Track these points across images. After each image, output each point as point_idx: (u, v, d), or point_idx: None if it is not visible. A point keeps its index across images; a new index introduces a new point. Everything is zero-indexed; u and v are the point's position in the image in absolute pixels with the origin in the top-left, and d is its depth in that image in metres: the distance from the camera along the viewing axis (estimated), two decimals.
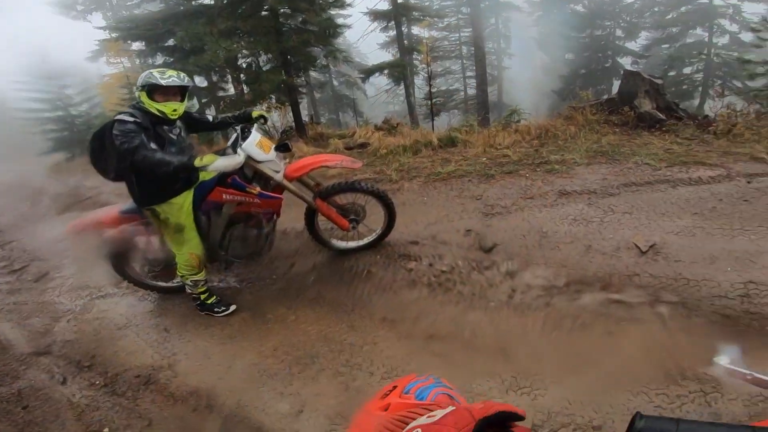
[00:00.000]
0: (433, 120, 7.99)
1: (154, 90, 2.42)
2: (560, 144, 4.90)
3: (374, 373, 2.34)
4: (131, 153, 2.25)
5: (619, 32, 16.70)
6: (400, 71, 12.03)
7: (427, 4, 15.92)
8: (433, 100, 9.10)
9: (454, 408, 0.42)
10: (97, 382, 2.60)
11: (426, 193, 4.16)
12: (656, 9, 16.27)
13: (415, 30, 16.06)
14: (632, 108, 5.58)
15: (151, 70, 2.46)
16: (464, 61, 18.77)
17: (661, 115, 5.39)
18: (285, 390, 2.30)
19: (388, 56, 15.07)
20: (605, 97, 6.47)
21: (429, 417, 0.43)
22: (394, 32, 13.58)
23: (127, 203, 2.79)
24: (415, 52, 14.13)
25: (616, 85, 15.58)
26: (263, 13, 7.87)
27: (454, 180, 4.24)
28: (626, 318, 2.40)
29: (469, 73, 18.32)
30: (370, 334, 2.63)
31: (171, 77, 2.42)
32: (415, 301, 2.84)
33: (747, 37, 12.42)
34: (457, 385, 2.25)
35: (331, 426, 2.05)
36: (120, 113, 2.38)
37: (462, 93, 18.89)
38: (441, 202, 3.94)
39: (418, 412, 0.49)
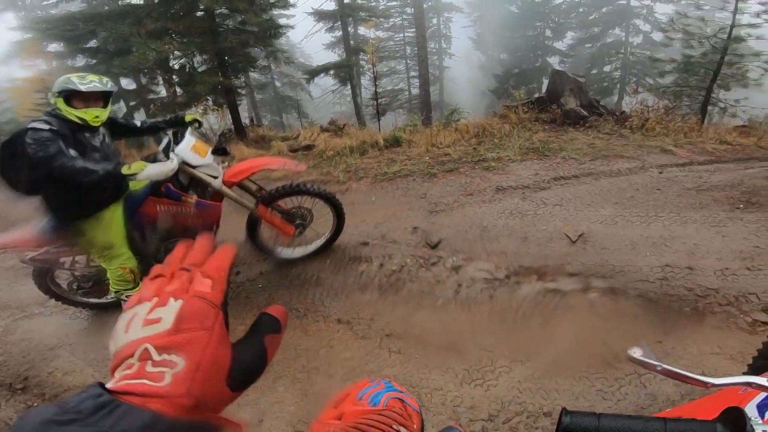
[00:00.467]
0: (379, 120, 8.09)
1: (72, 96, 2.22)
2: (496, 142, 5.18)
3: (333, 376, 2.33)
4: (47, 161, 2.06)
5: (548, 32, 17.79)
6: (346, 72, 12.03)
7: (373, 4, 16.00)
8: (379, 100, 9.20)
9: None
10: (34, 404, 2.48)
11: (374, 193, 4.23)
12: (581, 10, 17.53)
13: (361, 30, 16.10)
14: (559, 106, 6.02)
15: (69, 75, 2.25)
16: (408, 61, 19.12)
17: (584, 112, 5.87)
18: (241, 401, 2.23)
19: (333, 57, 14.96)
20: (536, 95, 6.92)
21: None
22: (340, 32, 13.52)
23: (44, 220, 2.48)
24: (361, 53, 14.16)
25: (545, 83, 16.68)
26: (198, 13, 7.52)
27: (400, 179, 4.34)
28: (562, 306, 2.57)
29: (413, 73, 18.70)
30: (325, 338, 2.62)
31: (92, 82, 2.23)
32: (368, 303, 2.88)
33: (658, 36, 13.62)
34: (415, 381, 2.30)
35: None
36: (33, 120, 2.16)
37: (407, 93, 19.25)
38: (388, 202, 4.03)
39: (372, 417, 0.49)
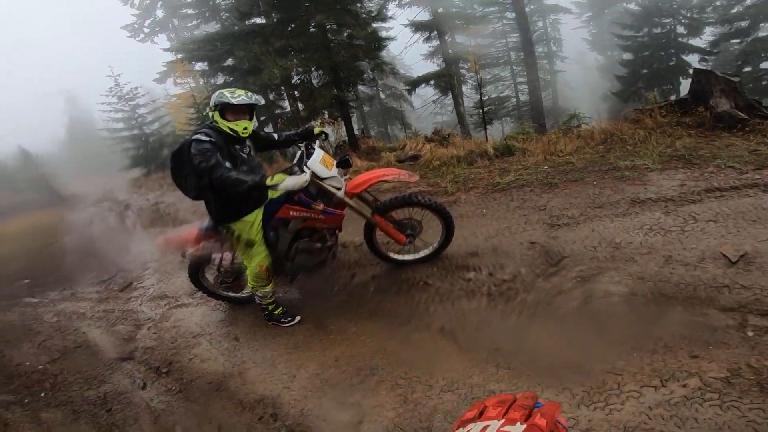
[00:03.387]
0: (485, 128, 7.81)
1: (225, 109, 2.54)
2: (629, 149, 4.58)
3: (433, 386, 2.27)
4: (209, 171, 2.38)
5: (680, 29, 15.52)
6: (446, 81, 11.96)
7: (469, 11, 15.72)
8: (485, 109, 8.91)
9: (526, 426, 0.47)
10: (173, 388, 2.71)
11: (485, 205, 4.03)
12: (718, 3, 14.96)
13: (459, 38, 15.92)
14: (708, 108, 5.13)
15: (222, 90, 2.58)
16: (514, 67, 18.30)
17: (742, 114, 4.90)
18: (346, 400, 2.30)
19: (432, 66, 15.04)
20: (673, 97, 5.99)
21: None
22: (437, 42, 13.53)
23: (205, 221, 2.96)
24: (461, 61, 13.99)
25: (684, 84, 14.49)
26: (311, 29, 8.16)
27: (515, 190, 4.08)
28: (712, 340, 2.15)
29: (519, 79, 17.83)
30: (428, 348, 2.57)
31: (240, 96, 2.53)
32: (474, 311, 2.75)
33: None
34: None
35: None
36: (196, 132, 2.51)
37: (514, 99, 18.36)
38: (501, 214, 3.80)
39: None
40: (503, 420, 0.49)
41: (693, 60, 15.30)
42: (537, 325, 2.51)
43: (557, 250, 3.08)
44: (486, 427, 0.48)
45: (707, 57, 15.37)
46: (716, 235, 2.91)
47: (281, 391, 2.46)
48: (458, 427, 0.51)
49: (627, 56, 16.80)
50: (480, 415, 0.52)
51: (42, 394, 2.90)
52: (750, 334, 2.13)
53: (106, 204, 10.79)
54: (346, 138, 8.35)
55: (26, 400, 2.86)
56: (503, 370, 2.25)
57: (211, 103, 2.59)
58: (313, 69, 8.78)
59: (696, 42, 15.68)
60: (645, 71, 15.66)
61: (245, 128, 2.59)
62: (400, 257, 3.29)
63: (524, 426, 0.47)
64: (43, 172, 19.74)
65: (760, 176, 3.60)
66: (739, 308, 2.28)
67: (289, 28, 8.27)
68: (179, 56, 11.96)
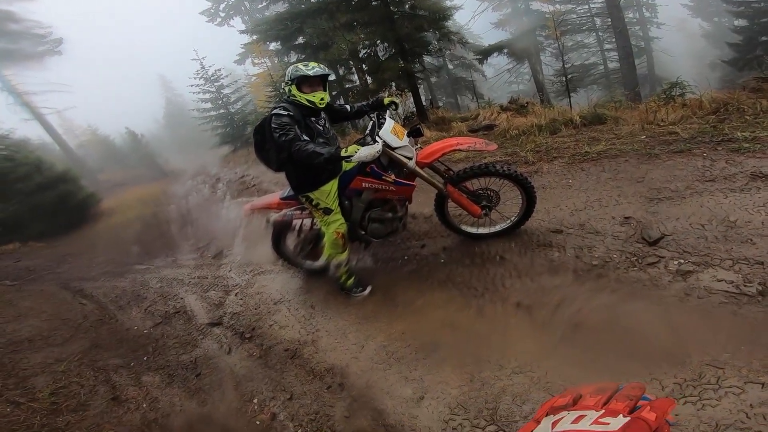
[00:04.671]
0: (569, 97, 7.17)
1: (302, 82, 2.60)
2: (748, 119, 3.93)
3: (504, 367, 2.14)
4: (288, 144, 2.47)
5: None
6: (521, 49, 11.15)
7: None
8: (568, 76, 8.16)
9: (630, 420, 0.41)
10: (254, 354, 2.78)
11: (571, 176, 3.72)
12: None
13: (534, 5, 14.64)
14: None
15: (296, 64, 2.63)
16: (600, 34, 16.51)
17: None
18: (410, 375, 2.26)
19: (504, 35, 14.05)
20: None
21: (599, 424, 0.42)
22: (509, 10, 12.58)
23: (286, 190, 3.10)
24: (538, 28, 12.92)
25: None
26: (373, 2, 8.01)
27: (606, 160, 3.70)
28: None
29: (607, 46, 16.07)
30: (501, 323, 2.44)
31: (314, 68, 2.58)
32: (557, 287, 2.54)
33: None
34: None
35: (450, 416, 1.96)
36: (275, 107, 2.60)
37: (601, 67, 16.67)
38: (591, 186, 3.48)
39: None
40: (602, 411, 0.43)
41: None
42: (629, 305, 2.26)
43: (657, 227, 2.76)
44: (581, 417, 0.43)
45: None
46: None
47: (350, 361, 2.48)
48: (547, 414, 0.47)
49: (740, 23, 14.44)
50: (574, 403, 0.47)
51: (145, 358, 3.02)
52: None
53: (200, 178, 11.82)
54: (414, 109, 8.20)
55: (132, 364, 2.98)
56: (581, 353, 2.06)
57: (287, 78, 2.66)
58: (378, 42, 8.68)
59: None
60: (765, 38, 13.33)
61: (322, 99, 2.65)
62: (473, 230, 3.17)
63: (627, 419, 0.42)
64: (148, 151, 22.24)
65: None
66: None
67: (353, 2, 8.21)
68: (254, 37, 12.44)
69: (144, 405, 2.53)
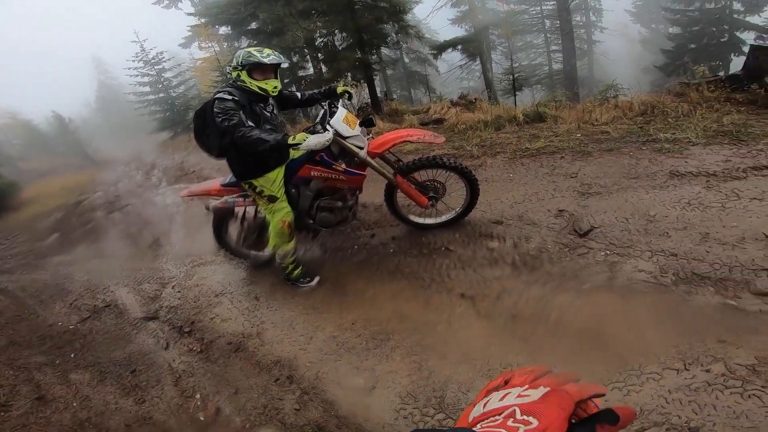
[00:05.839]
0: (515, 95, 7.47)
1: (254, 68, 2.48)
2: (671, 122, 4.31)
3: (447, 357, 2.21)
4: (232, 130, 2.35)
5: (737, 5, 14.37)
6: (474, 46, 11.44)
7: None
8: (515, 75, 8.51)
9: (550, 389, 0.43)
10: (194, 348, 2.68)
11: (512, 170, 3.89)
12: None
13: (490, 3, 15.07)
14: (762, 86, 4.77)
15: (249, 49, 2.51)
16: (548, 35, 17.35)
17: None
18: (361, 365, 2.27)
19: (460, 31, 14.37)
20: (722, 73, 5.60)
21: (522, 397, 0.43)
22: (466, 6, 12.87)
23: (228, 176, 2.97)
24: (491, 27, 13.33)
25: (735, 61, 13.64)
26: None
27: (544, 156, 3.91)
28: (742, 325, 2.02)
29: (553, 47, 16.92)
30: (445, 312, 2.51)
31: (269, 55, 2.47)
32: (497, 279, 2.65)
33: None
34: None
35: (401, 404, 1.99)
36: (219, 91, 2.47)
37: (546, 68, 17.57)
38: (529, 180, 3.67)
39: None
40: (526, 386, 0.44)
41: (748, 37, 14.26)
42: (562, 295, 2.41)
43: (587, 220, 2.95)
44: (506, 394, 0.45)
45: (765, 35, 14.27)
46: (760, 214, 2.71)
47: (298, 352, 2.44)
48: (482, 398, 0.48)
49: (674, 30, 15.77)
50: (506, 384, 0.48)
51: (72, 355, 2.87)
52: None
53: (135, 164, 11.04)
54: (369, 101, 8.17)
55: (57, 361, 2.83)
56: (521, 342, 2.17)
57: (237, 62, 2.52)
58: (336, 31, 8.53)
59: (753, 20, 14.56)
60: (693, 46, 14.71)
61: (275, 87, 2.57)
62: (421, 220, 3.23)
63: (548, 389, 0.43)
64: (77, 136, 20.37)
65: None
66: None
67: None
68: (203, 20, 11.81)
69: (74, 404, 2.38)
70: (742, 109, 4.54)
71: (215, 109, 2.38)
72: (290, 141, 2.33)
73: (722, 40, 14.61)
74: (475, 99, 6.40)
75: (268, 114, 2.64)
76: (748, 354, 1.84)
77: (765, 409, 1.62)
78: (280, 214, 2.81)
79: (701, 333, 2.00)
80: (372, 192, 3.48)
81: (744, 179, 3.15)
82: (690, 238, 2.62)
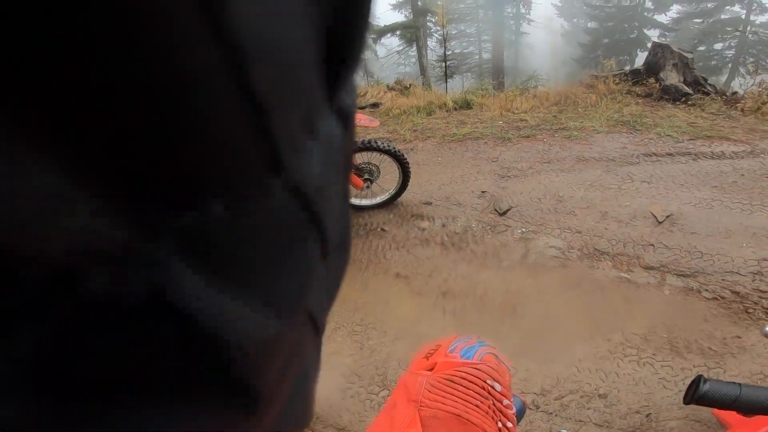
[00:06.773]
0: (446, 82, 7.74)
1: None
2: (580, 111, 4.75)
3: (387, 332, 2.28)
4: None
5: (648, 4, 15.95)
6: (412, 32, 11.57)
7: None
8: (447, 63, 8.78)
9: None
10: None
11: (441, 154, 4.08)
12: None
13: None
14: (658, 80, 5.41)
15: None
16: (480, 25, 18.00)
17: (687, 89, 5.22)
18: None
19: (400, 17, 14.40)
20: (628, 67, 6.27)
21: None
22: None
23: None
24: (429, 14, 13.52)
25: (640, 56, 15.10)
26: None
27: (470, 142, 4.14)
28: (635, 297, 2.33)
29: (484, 37, 17.62)
30: (383, 293, 2.58)
31: None
32: (428, 258, 2.80)
33: None
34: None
35: (347, 384, 2.03)
36: None
37: (477, 56, 18.25)
38: (456, 163, 3.87)
39: (466, 370, 0.49)
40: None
41: (653, 34, 15.88)
42: (485, 272, 2.59)
43: (506, 200, 3.20)
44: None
45: (667, 33, 16.00)
46: (648, 195, 3.15)
47: None
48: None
49: (592, 25, 17.09)
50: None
51: None
52: (666, 293, 2.31)
53: None
54: None
55: None
56: (449, 316, 2.31)
57: None
58: None
59: (660, 18, 16.23)
60: (606, 41, 16.10)
61: None
62: (357, 202, 3.28)
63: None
64: None
65: (693, 146, 3.90)
66: (660, 267, 2.46)
67: None
68: None
69: None
70: (640, 101, 5.15)
71: None
72: None
73: (632, 36, 16.15)
74: (410, 85, 6.52)
75: None
76: (639, 324, 2.09)
77: (657, 376, 1.85)
78: None
79: (602, 304, 2.25)
80: None
81: (637, 164, 3.62)
82: (592, 217, 2.96)
